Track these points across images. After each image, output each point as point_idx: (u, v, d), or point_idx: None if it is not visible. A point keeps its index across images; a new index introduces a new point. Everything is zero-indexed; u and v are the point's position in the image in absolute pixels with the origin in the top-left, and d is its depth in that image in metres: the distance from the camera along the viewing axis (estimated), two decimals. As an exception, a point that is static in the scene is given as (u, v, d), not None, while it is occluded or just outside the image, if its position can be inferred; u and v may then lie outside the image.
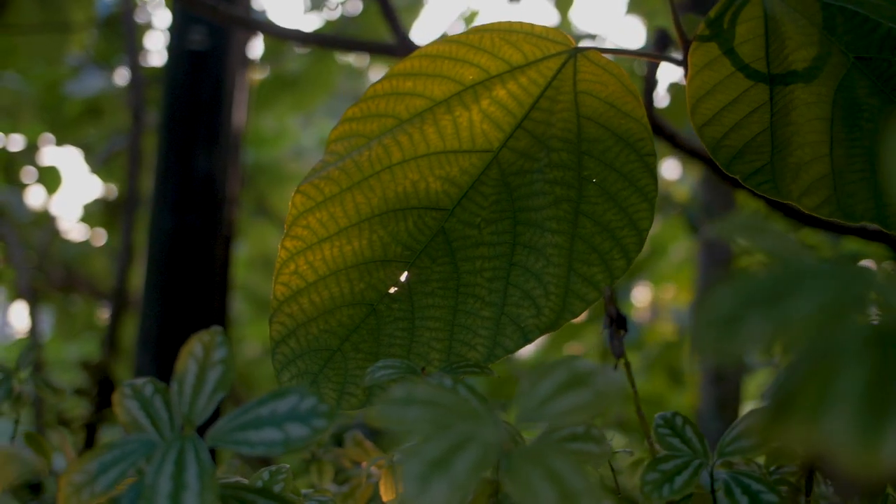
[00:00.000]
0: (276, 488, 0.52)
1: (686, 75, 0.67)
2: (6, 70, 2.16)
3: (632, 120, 0.58)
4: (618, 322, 0.47)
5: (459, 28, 3.00)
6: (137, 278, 2.16)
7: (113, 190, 2.50)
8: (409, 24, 2.86)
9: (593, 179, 0.57)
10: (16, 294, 2.47)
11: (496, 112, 0.60)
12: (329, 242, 0.58)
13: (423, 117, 0.60)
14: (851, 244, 2.33)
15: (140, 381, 0.44)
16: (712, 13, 0.61)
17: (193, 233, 1.49)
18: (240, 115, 1.58)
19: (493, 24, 0.61)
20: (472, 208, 0.58)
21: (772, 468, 0.61)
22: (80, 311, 2.64)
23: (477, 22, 3.05)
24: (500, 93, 0.60)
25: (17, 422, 0.79)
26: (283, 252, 0.58)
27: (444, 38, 0.61)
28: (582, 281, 0.56)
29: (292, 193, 0.59)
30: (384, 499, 0.64)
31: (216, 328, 0.43)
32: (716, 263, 2.17)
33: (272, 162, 2.71)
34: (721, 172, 1.07)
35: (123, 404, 0.43)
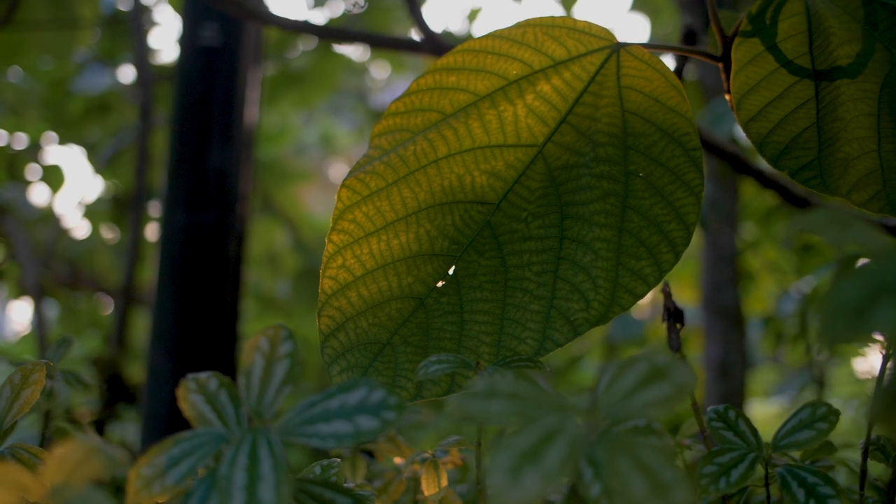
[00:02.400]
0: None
1: (723, 71, 0.67)
2: (12, 65, 2.15)
3: (676, 115, 0.58)
4: (675, 316, 0.47)
5: (463, 25, 3.00)
6: (139, 274, 2.16)
7: (118, 187, 2.49)
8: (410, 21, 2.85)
9: (640, 174, 0.57)
10: (19, 290, 2.46)
11: (540, 107, 0.60)
12: (376, 236, 0.58)
13: (467, 112, 0.60)
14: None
15: (204, 375, 0.44)
16: (754, 9, 0.61)
17: (207, 230, 1.49)
18: (252, 111, 1.58)
19: (535, 19, 0.62)
20: (519, 202, 0.59)
21: (807, 462, 0.61)
22: (83, 308, 2.63)
23: (480, 19, 3.05)
24: (545, 87, 0.60)
25: (48, 417, 0.79)
26: (330, 246, 0.58)
27: (487, 34, 0.62)
28: (630, 275, 0.56)
29: (339, 188, 0.59)
30: (426, 493, 0.64)
31: (280, 324, 0.43)
32: (721, 260, 2.17)
33: (275, 159, 2.71)
34: (738, 167, 1.08)
35: (189, 398, 0.43)
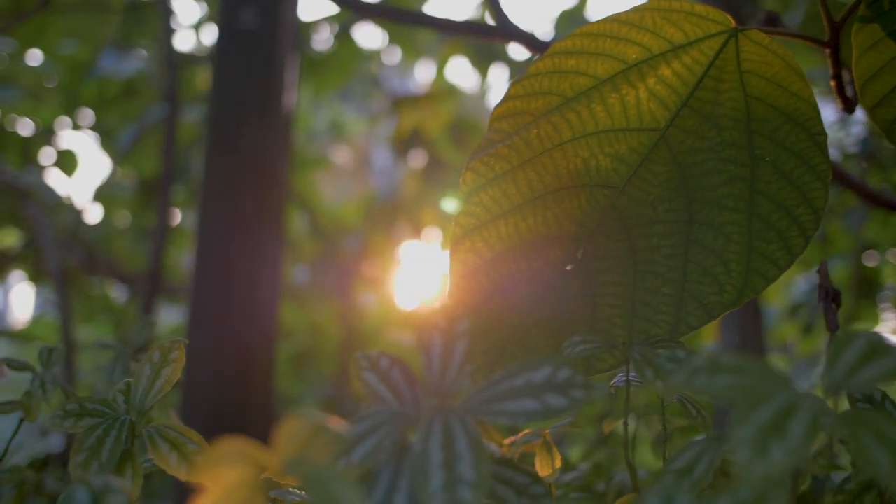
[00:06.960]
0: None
1: (829, 56, 0.67)
2: (34, 48, 2.13)
3: (800, 100, 0.59)
4: (832, 297, 0.47)
5: (477, 13, 2.99)
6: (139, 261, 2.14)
7: (142, 172, 2.48)
8: (419, 5, 2.84)
9: (766, 158, 0.58)
10: (37, 274, 2.45)
11: (662, 91, 0.60)
12: (503, 219, 0.58)
13: (589, 95, 0.60)
14: (870, 231, 2.35)
15: (374, 353, 0.44)
16: (871, -6, 0.62)
17: (245, 214, 1.48)
18: (289, 96, 1.58)
19: (653, 3, 0.62)
20: (643, 186, 0.59)
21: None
22: (98, 294, 2.62)
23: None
24: (665, 72, 0.60)
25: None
26: (457, 229, 0.58)
27: (605, 18, 0.62)
28: (762, 259, 0.56)
29: (463, 170, 0.59)
30: (541, 474, 0.64)
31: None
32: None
33: (293, 145, 2.69)
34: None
35: (362, 377, 0.43)
